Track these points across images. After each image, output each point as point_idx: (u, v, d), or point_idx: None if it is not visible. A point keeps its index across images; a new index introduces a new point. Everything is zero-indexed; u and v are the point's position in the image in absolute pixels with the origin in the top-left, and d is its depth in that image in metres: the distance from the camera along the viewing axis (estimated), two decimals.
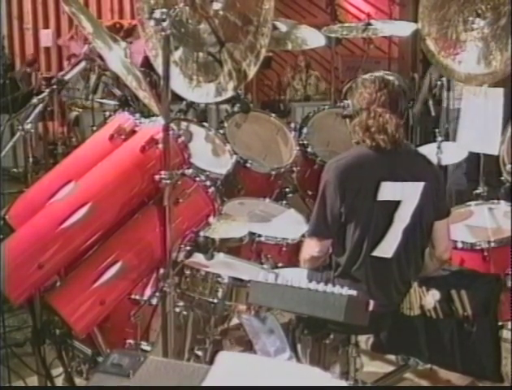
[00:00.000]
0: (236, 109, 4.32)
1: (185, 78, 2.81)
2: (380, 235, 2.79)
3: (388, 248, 2.80)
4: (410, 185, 2.79)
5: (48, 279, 2.45)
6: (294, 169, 4.21)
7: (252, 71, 2.93)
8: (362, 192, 2.77)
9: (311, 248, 2.89)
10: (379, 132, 2.78)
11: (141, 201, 2.56)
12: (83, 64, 3.19)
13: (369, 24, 4.65)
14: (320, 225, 2.83)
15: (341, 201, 2.76)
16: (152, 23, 2.36)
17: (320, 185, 2.84)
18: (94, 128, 5.23)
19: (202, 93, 2.91)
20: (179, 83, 2.77)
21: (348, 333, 2.98)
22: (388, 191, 2.77)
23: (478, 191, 4.10)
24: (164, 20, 2.32)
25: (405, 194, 2.78)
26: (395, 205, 2.78)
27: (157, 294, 2.44)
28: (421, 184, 2.79)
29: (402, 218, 2.78)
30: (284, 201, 4.04)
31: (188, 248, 2.62)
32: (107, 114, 4.90)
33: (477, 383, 3.27)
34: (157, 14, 2.33)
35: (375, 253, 2.80)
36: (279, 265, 3.40)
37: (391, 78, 3.01)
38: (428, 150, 4.36)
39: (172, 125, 2.51)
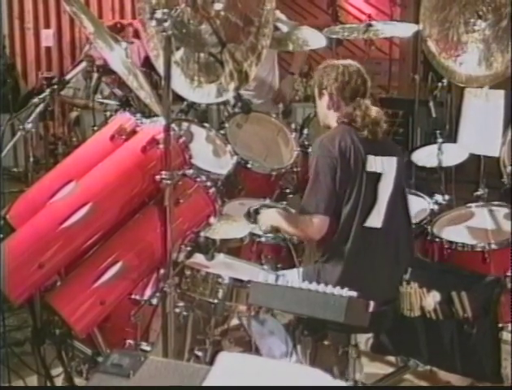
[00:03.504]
0: (236, 109, 4.32)
1: (186, 78, 2.82)
2: (369, 206, 2.92)
3: (377, 218, 2.94)
4: (387, 159, 2.99)
5: (48, 278, 2.45)
6: (295, 170, 4.21)
7: (253, 72, 2.94)
8: (351, 165, 2.90)
9: (310, 228, 2.92)
10: (363, 126, 2.96)
11: (141, 202, 2.56)
12: (83, 64, 3.20)
13: (370, 25, 4.64)
14: (319, 202, 2.89)
15: (334, 174, 2.88)
16: (153, 23, 2.36)
17: (312, 163, 2.95)
18: (95, 128, 5.23)
19: (203, 94, 2.91)
20: (180, 83, 2.78)
21: (348, 332, 2.98)
22: (372, 163, 2.94)
23: (478, 193, 4.10)
24: (165, 21, 2.32)
25: (385, 167, 2.97)
26: (377, 177, 2.95)
27: (157, 294, 2.44)
28: (394, 159, 3.01)
29: (385, 190, 2.96)
30: (285, 202, 4.03)
31: (188, 248, 2.62)
32: (108, 114, 4.91)
33: (477, 385, 3.26)
34: (158, 14, 2.33)
35: (367, 224, 2.91)
36: (279, 266, 3.40)
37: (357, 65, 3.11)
38: (429, 151, 4.38)
39: (173, 125, 2.51)
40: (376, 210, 2.94)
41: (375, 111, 2.99)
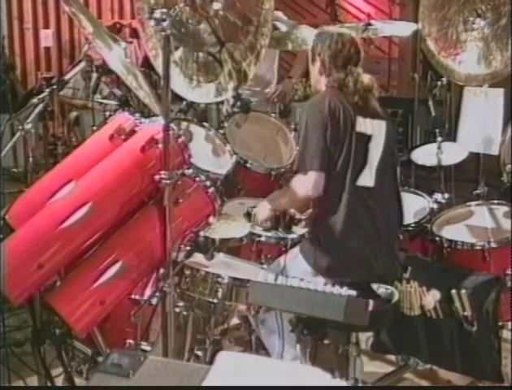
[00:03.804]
0: (236, 109, 4.31)
1: (185, 78, 2.81)
2: (361, 165, 2.97)
3: (369, 177, 2.99)
4: (377, 122, 3.05)
5: (48, 278, 2.44)
6: (294, 169, 4.21)
7: (252, 72, 2.94)
8: (340, 124, 2.94)
9: (306, 185, 2.95)
10: (355, 92, 3.01)
11: (141, 201, 2.56)
12: (83, 64, 3.20)
13: (369, 24, 4.64)
14: (313, 158, 2.92)
15: (325, 131, 2.92)
16: (152, 23, 2.36)
17: (302, 123, 2.99)
18: (94, 128, 5.22)
19: (202, 93, 2.91)
20: (179, 83, 2.77)
21: (347, 331, 2.97)
22: (361, 124, 2.99)
23: (478, 191, 4.10)
24: (164, 20, 2.32)
25: (374, 129, 3.02)
26: (368, 138, 3.00)
27: (157, 294, 2.44)
28: (383, 123, 3.07)
29: (376, 151, 3.01)
30: None
31: (188, 248, 2.62)
32: (107, 114, 4.90)
33: (477, 384, 3.27)
34: (157, 14, 2.33)
35: (359, 183, 2.96)
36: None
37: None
38: (428, 150, 4.38)
39: (172, 125, 2.51)
40: (368, 170, 2.98)
41: (367, 78, 3.05)
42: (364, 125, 3.00)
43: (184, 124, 4.12)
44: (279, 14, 4.83)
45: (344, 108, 2.97)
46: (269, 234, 3.37)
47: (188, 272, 2.87)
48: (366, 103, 3.04)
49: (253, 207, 3.20)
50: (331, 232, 2.96)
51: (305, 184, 2.95)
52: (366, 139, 3.00)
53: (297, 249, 3.09)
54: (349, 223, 2.95)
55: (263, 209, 3.17)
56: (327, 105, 2.95)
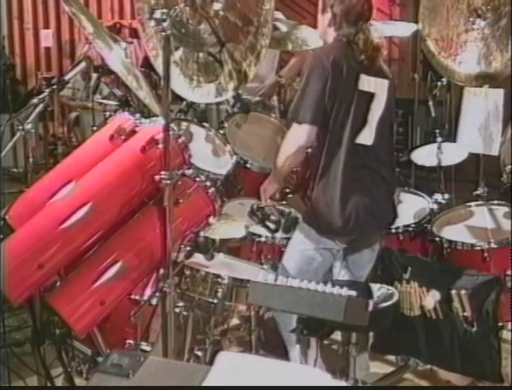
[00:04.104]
0: (236, 109, 4.32)
1: (185, 78, 2.82)
2: (361, 124, 2.96)
3: (368, 136, 2.98)
4: (380, 81, 3.01)
5: (48, 279, 2.44)
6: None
7: (252, 72, 2.94)
8: (342, 79, 2.92)
9: (298, 136, 2.96)
10: (363, 51, 2.97)
11: (141, 202, 2.56)
12: (83, 64, 3.19)
13: (369, 25, 4.63)
14: (307, 110, 2.91)
15: (325, 85, 2.89)
16: (152, 23, 2.36)
17: (305, 72, 2.99)
18: (95, 128, 5.22)
19: (203, 94, 2.91)
20: (179, 83, 2.77)
21: (347, 331, 2.97)
22: (364, 82, 2.96)
23: (478, 192, 4.10)
24: (164, 20, 2.32)
25: (378, 88, 3.00)
26: (370, 97, 2.98)
27: (157, 294, 2.44)
28: (386, 82, 3.04)
29: (377, 110, 2.99)
30: (284, 202, 4.03)
31: (188, 248, 2.62)
32: (108, 114, 4.91)
33: (477, 384, 3.27)
34: (157, 14, 2.33)
35: (358, 141, 2.95)
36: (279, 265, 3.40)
37: None
38: (428, 151, 4.38)
39: (172, 125, 2.51)
40: (368, 129, 2.97)
41: (376, 38, 3.04)
42: (368, 83, 2.97)
43: (184, 124, 4.12)
44: (279, 14, 4.83)
45: (348, 64, 2.93)
46: (269, 234, 3.37)
47: (188, 272, 2.87)
48: (372, 61, 3.00)
49: (257, 205, 3.18)
50: (330, 189, 2.97)
51: (297, 136, 2.96)
52: (368, 97, 2.98)
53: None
54: (347, 179, 2.95)
55: (266, 184, 3.19)
56: (332, 58, 2.91)
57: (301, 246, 3.08)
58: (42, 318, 2.64)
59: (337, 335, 3.49)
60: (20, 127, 2.92)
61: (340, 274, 3.16)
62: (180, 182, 2.51)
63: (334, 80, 2.90)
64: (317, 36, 4.68)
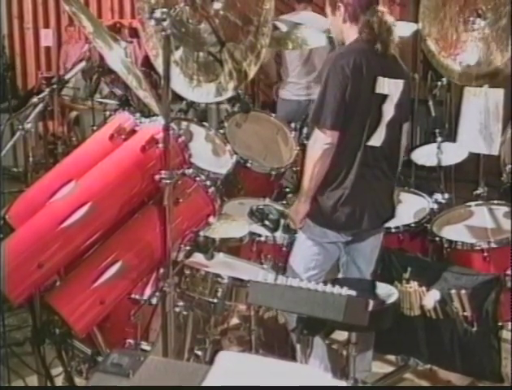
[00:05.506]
0: (236, 109, 4.31)
1: (186, 78, 2.82)
2: (375, 126, 2.99)
3: (379, 138, 3.00)
4: (393, 82, 3.01)
5: (48, 278, 2.44)
6: (294, 169, 4.21)
7: (252, 71, 2.94)
8: (362, 84, 2.92)
9: (322, 140, 2.94)
10: (379, 35, 2.93)
11: (141, 201, 2.56)
12: (82, 64, 3.19)
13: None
14: (328, 116, 2.91)
15: (344, 90, 2.89)
16: (152, 22, 2.36)
17: (323, 76, 2.96)
18: (95, 128, 5.23)
19: (203, 93, 2.91)
20: (179, 82, 2.78)
21: (347, 331, 2.98)
22: (381, 85, 2.96)
23: (478, 191, 4.10)
24: (165, 20, 2.32)
25: (391, 89, 3.00)
26: (382, 98, 2.98)
27: (157, 294, 2.44)
28: (401, 82, 3.04)
29: (388, 112, 3.00)
30: (284, 201, 4.03)
31: (188, 248, 2.61)
32: (108, 113, 4.91)
33: (477, 384, 3.27)
34: (157, 13, 2.33)
35: (370, 143, 2.98)
36: (279, 265, 3.40)
37: None
38: (428, 150, 4.38)
39: (172, 125, 2.51)
40: (380, 130, 2.99)
41: (389, 17, 2.98)
42: (383, 85, 2.96)
43: (184, 124, 4.12)
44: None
45: (367, 67, 2.91)
46: (269, 234, 3.37)
47: (188, 272, 2.86)
48: (387, 51, 2.96)
49: (257, 206, 3.16)
50: (342, 188, 2.99)
51: (321, 140, 2.95)
52: (381, 99, 2.98)
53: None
54: (357, 178, 2.98)
55: (297, 206, 3.10)
56: (353, 62, 2.90)
57: (306, 243, 3.09)
58: (42, 317, 2.64)
59: (337, 335, 3.51)
60: (20, 127, 2.91)
61: (346, 265, 3.18)
62: (179, 181, 2.51)
63: (353, 85, 2.90)
64: (317, 35, 4.71)
